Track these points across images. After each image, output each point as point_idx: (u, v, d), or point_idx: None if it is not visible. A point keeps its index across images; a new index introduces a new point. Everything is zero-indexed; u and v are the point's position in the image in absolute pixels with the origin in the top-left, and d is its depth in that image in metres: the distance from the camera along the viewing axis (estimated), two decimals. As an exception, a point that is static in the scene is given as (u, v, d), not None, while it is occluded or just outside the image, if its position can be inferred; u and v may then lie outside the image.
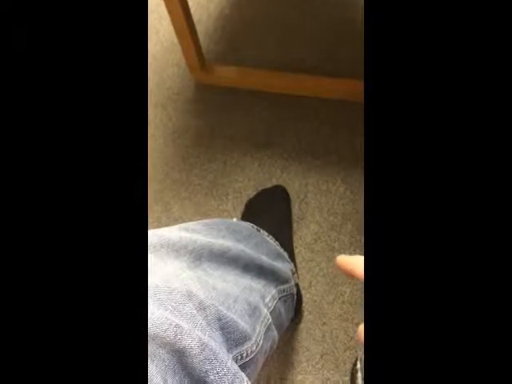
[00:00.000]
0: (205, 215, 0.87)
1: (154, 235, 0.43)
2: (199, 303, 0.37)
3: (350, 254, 0.81)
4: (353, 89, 0.90)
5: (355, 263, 0.32)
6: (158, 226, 0.47)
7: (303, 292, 0.79)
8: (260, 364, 0.46)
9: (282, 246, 0.65)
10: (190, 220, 0.53)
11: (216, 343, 0.35)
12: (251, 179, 0.89)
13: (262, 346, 0.45)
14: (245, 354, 0.41)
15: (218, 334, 0.38)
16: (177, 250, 0.42)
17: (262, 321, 0.47)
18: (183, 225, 0.49)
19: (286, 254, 0.65)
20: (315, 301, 0.79)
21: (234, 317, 0.40)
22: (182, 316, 0.34)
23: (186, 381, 0.33)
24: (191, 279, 0.39)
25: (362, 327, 0.30)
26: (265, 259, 0.54)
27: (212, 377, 0.33)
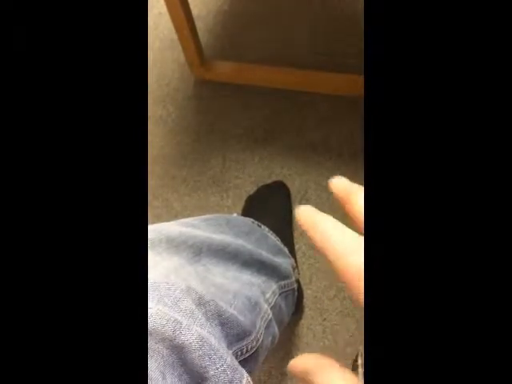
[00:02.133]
0: (205, 211, 0.87)
1: (154, 230, 0.42)
2: (198, 299, 0.36)
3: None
4: (353, 84, 0.89)
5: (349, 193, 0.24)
6: (158, 222, 0.46)
7: (304, 288, 0.79)
8: (260, 360, 0.46)
9: (282, 241, 0.65)
10: (190, 216, 0.52)
11: (215, 339, 0.35)
12: (251, 175, 0.89)
13: (262, 341, 0.45)
14: (245, 350, 0.41)
15: (217, 330, 0.37)
16: (176, 245, 0.42)
17: (263, 316, 0.47)
18: (183, 220, 0.49)
19: (286, 250, 0.64)
20: (316, 296, 0.79)
21: (234, 312, 0.40)
22: (180, 311, 0.34)
23: (185, 376, 0.33)
24: (191, 275, 0.39)
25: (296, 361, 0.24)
26: (265, 254, 0.53)
27: (211, 372, 0.33)
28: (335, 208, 0.93)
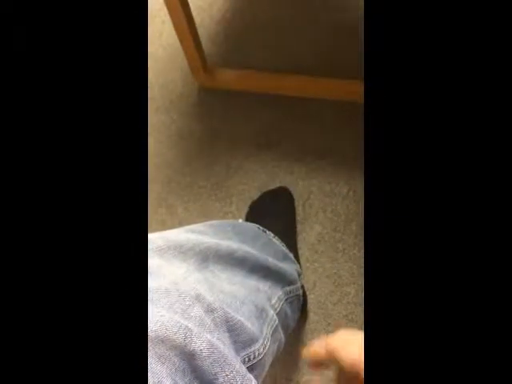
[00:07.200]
0: (209, 218, 0.87)
1: (160, 238, 0.43)
2: (207, 306, 0.37)
3: (354, 254, 0.81)
4: (354, 89, 0.90)
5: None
6: (163, 229, 0.47)
7: (308, 293, 0.79)
8: (267, 365, 0.46)
9: (287, 246, 0.65)
10: (195, 223, 0.53)
11: (225, 346, 0.35)
12: (255, 181, 0.89)
13: (269, 347, 0.45)
14: (252, 356, 0.41)
15: (226, 336, 0.38)
16: (184, 251, 0.42)
17: (269, 323, 0.47)
18: (189, 227, 0.50)
19: (291, 255, 0.65)
20: (320, 301, 0.79)
21: (242, 319, 0.41)
22: (190, 318, 0.34)
23: (196, 383, 0.33)
24: (199, 281, 0.40)
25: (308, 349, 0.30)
26: (271, 260, 0.54)
27: (221, 379, 0.34)
28: (337, 212, 0.92)
